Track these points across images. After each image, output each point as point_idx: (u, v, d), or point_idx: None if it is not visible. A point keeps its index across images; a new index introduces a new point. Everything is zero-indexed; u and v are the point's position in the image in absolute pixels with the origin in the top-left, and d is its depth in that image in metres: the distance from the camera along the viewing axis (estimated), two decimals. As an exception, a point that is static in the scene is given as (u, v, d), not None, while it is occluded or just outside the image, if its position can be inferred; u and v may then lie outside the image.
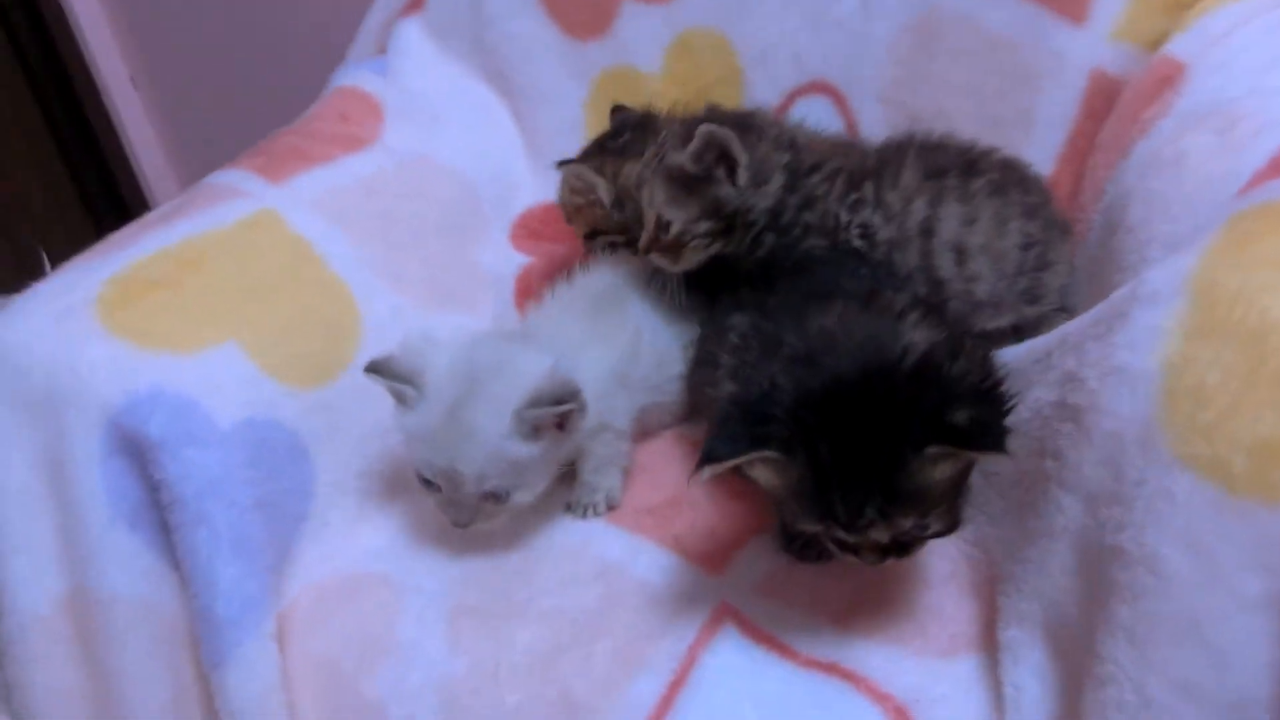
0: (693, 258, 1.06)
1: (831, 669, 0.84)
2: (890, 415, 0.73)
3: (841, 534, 0.77)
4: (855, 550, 0.80)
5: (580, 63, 1.39)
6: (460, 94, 1.41)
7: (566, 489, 1.06)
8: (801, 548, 0.93)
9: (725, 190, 1.03)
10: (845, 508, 0.75)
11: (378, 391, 0.99)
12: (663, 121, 1.20)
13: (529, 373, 0.95)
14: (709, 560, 0.96)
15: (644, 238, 1.06)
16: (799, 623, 0.88)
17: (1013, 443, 0.73)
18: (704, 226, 1.04)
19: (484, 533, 0.99)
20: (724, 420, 0.77)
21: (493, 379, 0.94)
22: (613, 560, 0.97)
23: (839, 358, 0.77)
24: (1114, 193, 1.03)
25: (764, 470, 0.78)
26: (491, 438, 0.93)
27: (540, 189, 1.39)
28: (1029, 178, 1.08)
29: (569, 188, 1.20)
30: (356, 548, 1.02)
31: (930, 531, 0.78)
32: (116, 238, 1.06)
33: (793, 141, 1.08)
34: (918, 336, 0.80)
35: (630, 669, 0.86)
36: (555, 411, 0.93)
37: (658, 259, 1.07)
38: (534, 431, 0.94)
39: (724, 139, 1.01)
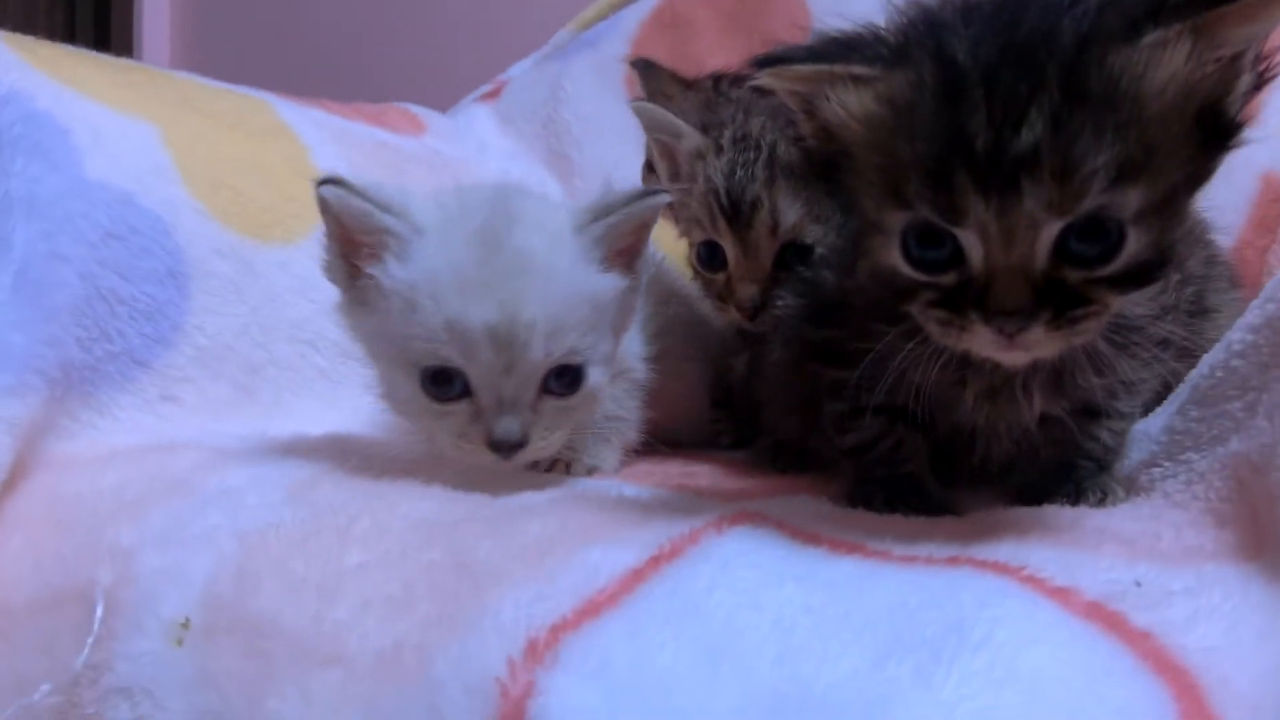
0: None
1: (953, 561, 0.46)
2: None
3: (973, 202, 0.45)
4: (987, 280, 0.46)
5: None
6: (510, 159, 1.26)
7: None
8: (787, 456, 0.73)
9: None
10: (993, 115, 0.44)
11: (316, 288, 0.72)
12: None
13: (565, 202, 0.68)
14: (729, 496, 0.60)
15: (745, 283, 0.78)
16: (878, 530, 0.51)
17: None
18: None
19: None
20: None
21: (529, 210, 0.65)
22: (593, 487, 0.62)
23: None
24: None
25: (853, 102, 0.48)
26: (559, 264, 0.63)
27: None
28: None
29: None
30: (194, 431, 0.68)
31: (1127, 252, 0.45)
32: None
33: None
34: None
35: (582, 541, 0.48)
36: (643, 208, 0.65)
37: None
38: (608, 258, 0.65)
39: None
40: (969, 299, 0.47)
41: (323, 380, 0.79)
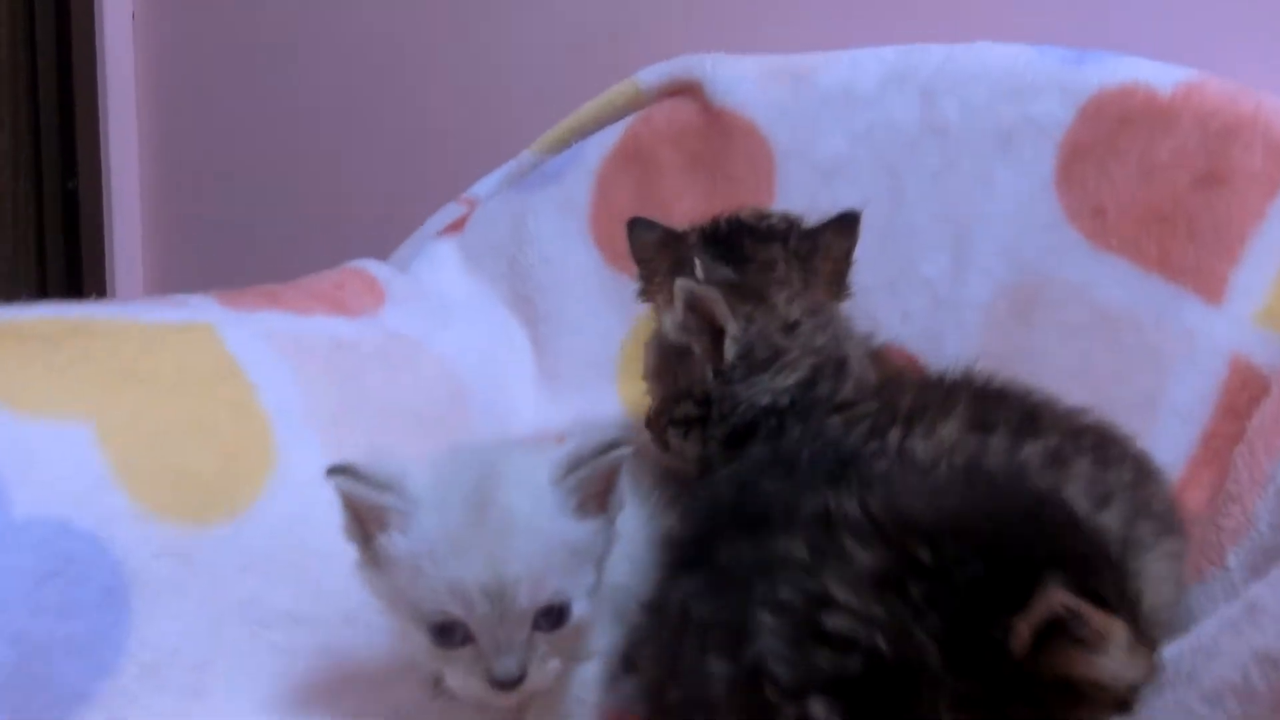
0: (679, 449, 0.84)
1: None
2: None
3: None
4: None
5: (622, 298, 1.22)
6: (478, 309, 1.24)
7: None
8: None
9: (703, 369, 0.82)
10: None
11: (264, 559, 0.72)
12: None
13: (551, 452, 0.75)
14: None
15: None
16: None
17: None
18: (679, 411, 0.83)
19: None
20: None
21: (512, 468, 0.75)
22: None
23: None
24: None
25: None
26: (537, 519, 0.72)
27: (546, 419, 1.16)
28: (1116, 449, 0.82)
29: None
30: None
31: None
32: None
33: (836, 342, 0.86)
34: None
35: None
36: (609, 460, 0.74)
37: (651, 441, 0.85)
38: (581, 505, 0.74)
39: (705, 300, 0.80)
40: None
41: (277, 656, 0.79)
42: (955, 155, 1.10)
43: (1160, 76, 1.01)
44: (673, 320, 0.82)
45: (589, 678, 0.79)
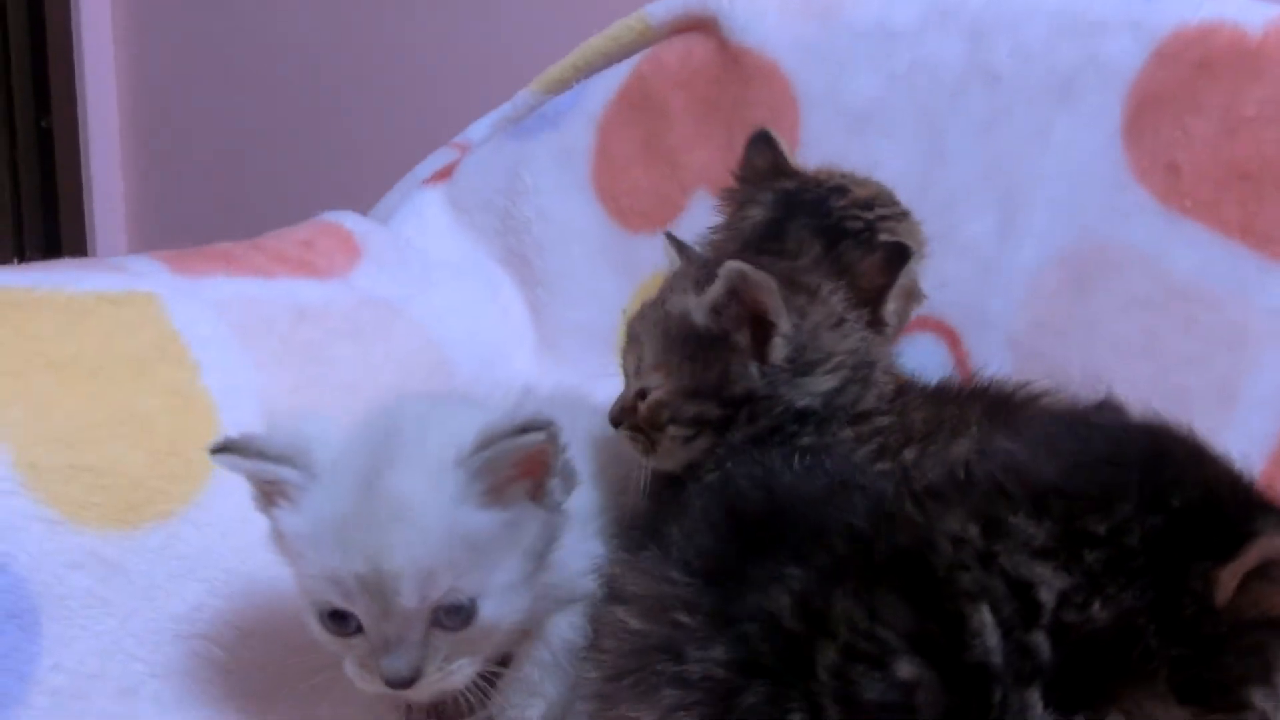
0: (671, 451, 0.72)
1: None
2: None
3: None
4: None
5: (628, 258, 1.10)
6: (466, 269, 1.13)
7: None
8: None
9: (744, 366, 0.70)
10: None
11: (204, 564, 0.63)
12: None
13: (474, 418, 0.65)
14: None
15: (615, 403, 0.74)
16: None
17: None
18: (693, 409, 0.71)
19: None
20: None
21: (423, 434, 0.67)
22: None
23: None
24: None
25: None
26: (430, 506, 0.64)
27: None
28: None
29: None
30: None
31: None
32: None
33: (867, 345, 0.76)
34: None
35: None
36: (519, 445, 0.64)
37: (627, 438, 0.73)
38: (493, 491, 0.65)
39: (759, 289, 0.68)
40: None
41: (224, 677, 0.69)
42: (1006, 104, 0.97)
43: (1249, 14, 0.87)
44: (703, 301, 0.70)
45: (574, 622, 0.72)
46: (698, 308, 0.71)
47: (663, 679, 0.55)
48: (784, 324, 0.70)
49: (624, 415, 0.73)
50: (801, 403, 0.71)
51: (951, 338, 0.97)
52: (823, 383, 0.71)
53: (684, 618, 0.56)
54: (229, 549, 0.71)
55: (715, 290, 0.69)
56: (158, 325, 0.78)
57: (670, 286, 0.76)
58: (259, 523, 0.70)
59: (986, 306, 0.96)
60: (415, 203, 1.18)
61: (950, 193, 0.98)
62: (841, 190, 0.85)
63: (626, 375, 0.76)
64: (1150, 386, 0.86)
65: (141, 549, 0.67)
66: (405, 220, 1.17)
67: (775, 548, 0.57)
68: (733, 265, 0.68)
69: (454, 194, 1.20)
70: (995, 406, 0.76)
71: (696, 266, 0.76)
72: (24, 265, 0.81)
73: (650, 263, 1.08)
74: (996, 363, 0.93)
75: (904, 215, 0.86)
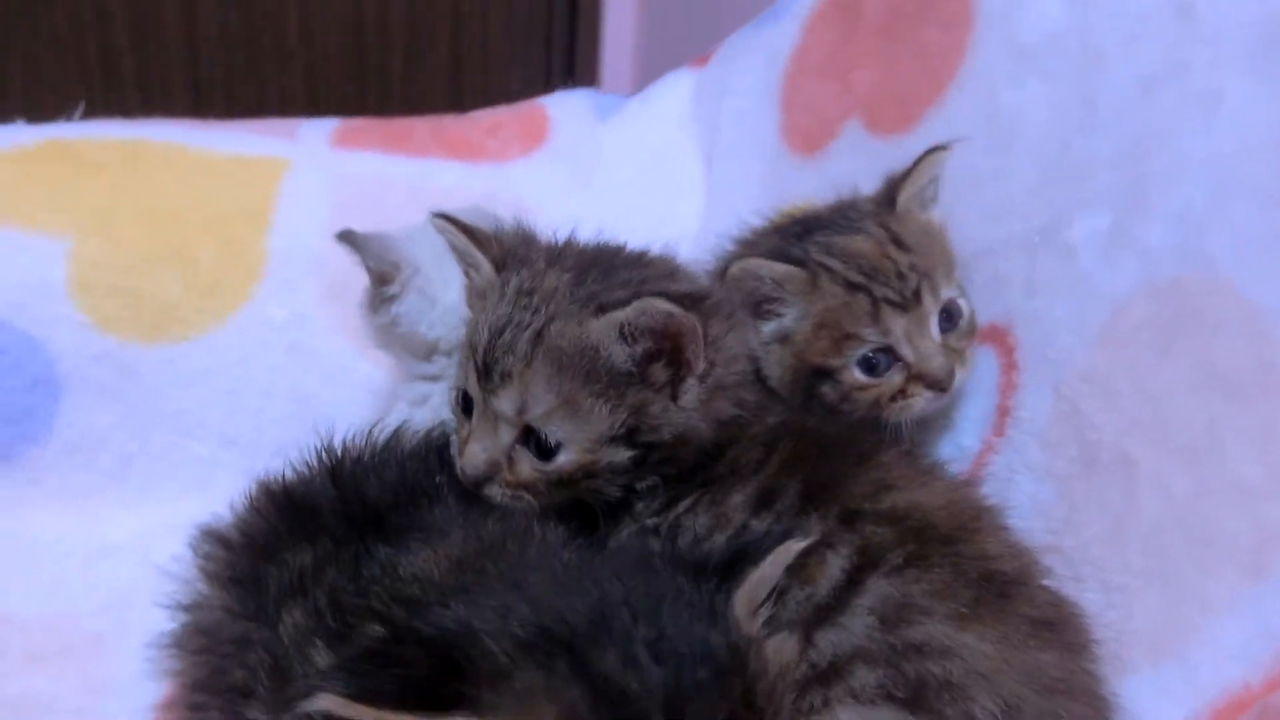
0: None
1: None
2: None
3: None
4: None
5: (782, 179, 0.99)
6: (657, 169, 1.10)
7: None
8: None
9: (660, 406, 0.63)
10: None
11: (206, 382, 0.85)
12: None
13: None
14: None
15: (476, 454, 0.64)
16: None
17: None
18: (624, 455, 0.63)
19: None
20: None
21: None
22: None
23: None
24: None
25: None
26: None
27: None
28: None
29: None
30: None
31: None
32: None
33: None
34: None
35: None
36: None
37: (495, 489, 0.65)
38: None
39: (683, 329, 0.61)
40: None
41: (198, 466, 0.89)
42: (1186, 56, 0.68)
43: None
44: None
45: None
46: (608, 337, 0.61)
47: None
48: (699, 364, 0.62)
49: (492, 471, 0.64)
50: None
51: (1006, 350, 0.74)
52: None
53: None
54: (228, 376, 0.88)
55: (630, 315, 0.60)
56: (265, 187, 0.94)
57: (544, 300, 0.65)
58: (259, 363, 0.87)
59: (1055, 337, 0.71)
60: (661, 86, 1.17)
61: (1079, 170, 0.73)
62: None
63: (489, 408, 0.64)
64: (1184, 507, 0.60)
65: (154, 360, 0.87)
66: (644, 103, 1.16)
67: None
68: (649, 303, 0.60)
69: (701, 81, 1.15)
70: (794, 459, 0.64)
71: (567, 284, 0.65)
72: (210, 123, 1.02)
73: (799, 194, 0.97)
74: (1029, 408, 0.71)
75: None
